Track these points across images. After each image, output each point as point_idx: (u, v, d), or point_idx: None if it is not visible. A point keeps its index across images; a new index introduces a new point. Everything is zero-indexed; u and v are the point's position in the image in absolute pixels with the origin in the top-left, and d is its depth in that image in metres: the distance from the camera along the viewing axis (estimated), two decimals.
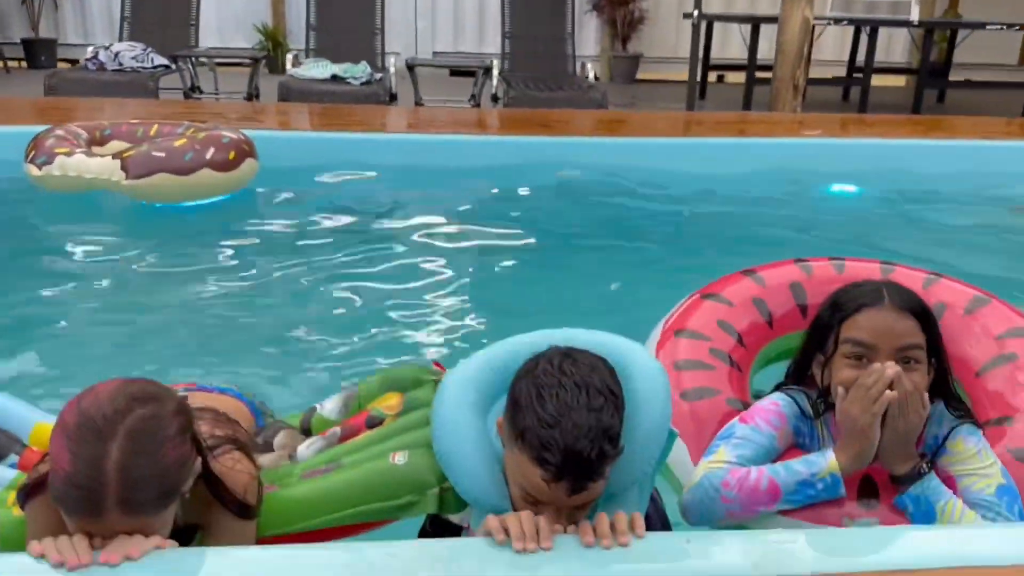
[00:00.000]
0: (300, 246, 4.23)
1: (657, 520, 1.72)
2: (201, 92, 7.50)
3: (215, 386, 2.14)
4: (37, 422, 1.99)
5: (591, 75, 8.04)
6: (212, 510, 1.56)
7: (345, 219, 4.59)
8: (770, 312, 2.20)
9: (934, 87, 10.08)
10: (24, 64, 11.00)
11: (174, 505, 1.45)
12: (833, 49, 11.85)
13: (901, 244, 4.32)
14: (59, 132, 4.42)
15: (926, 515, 1.61)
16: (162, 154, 4.20)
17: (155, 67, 7.23)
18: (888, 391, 1.58)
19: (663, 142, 5.58)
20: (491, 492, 1.56)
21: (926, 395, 1.64)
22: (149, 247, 4.08)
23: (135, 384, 1.43)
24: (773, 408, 1.80)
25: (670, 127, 6.38)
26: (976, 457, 1.67)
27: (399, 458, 1.68)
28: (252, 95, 7.50)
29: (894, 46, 12.45)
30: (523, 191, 5.14)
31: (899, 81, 11.31)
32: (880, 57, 11.86)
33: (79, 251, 4.07)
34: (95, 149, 4.45)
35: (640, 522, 1.48)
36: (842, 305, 1.74)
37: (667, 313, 2.32)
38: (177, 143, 4.28)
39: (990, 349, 2.01)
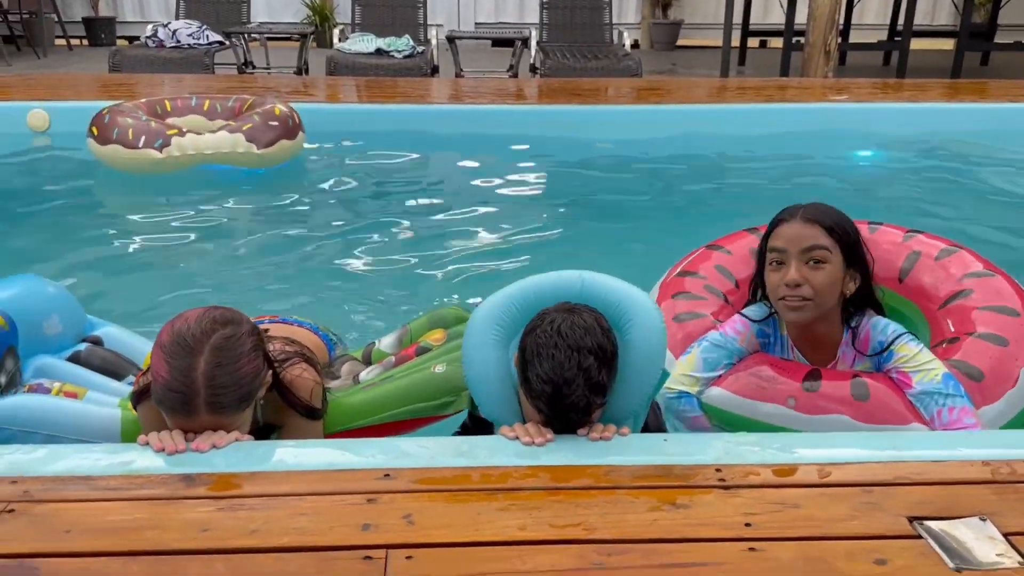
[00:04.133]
0: (356, 208, 4.61)
1: (656, 430, 2.00)
2: (254, 67, 7.87)
3: (295, 319, 2.52)
4: (149, 352, 2.40)
5: (627, 44, 8.23)
6: (286, 412, 1.93)
7: (389, 185, 4.96)
8: None
9: (976, 50, 9.98)
10: (85, 42, 11.53)
11: (250, 408, 1.79)
12: (877, 14, 11.83)
13: (917, 203, 4.52)
14: (141, 114, 4.61)
15: None
16: (276, 123, 4.64)
17: (210, 43, 7.56)
18: None
19: (689, 109, 5.79)
20: (508, 414, 1.84)
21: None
22: (228, 208, 4.50)
23: (217, 310, 1.78)
24: (738, 318, 2.18)
25: (701, 94, 6.57)
26: (920, 355, 1.99)
27: (439, 368, 2.11)
28: (301, 69, 7.85)
29: (940, 9, 12.34)
30: (554, 157, 5.42)
31: (946, 44, 11.15)
32: (925, 20, 11.78)
33: (170, 216, 4.42)
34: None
35: (624, 430, 1.74)
36: (770, 225, 2.08)
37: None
38: (277, 111, 4.70)
39: (951, 287, 2.32)
